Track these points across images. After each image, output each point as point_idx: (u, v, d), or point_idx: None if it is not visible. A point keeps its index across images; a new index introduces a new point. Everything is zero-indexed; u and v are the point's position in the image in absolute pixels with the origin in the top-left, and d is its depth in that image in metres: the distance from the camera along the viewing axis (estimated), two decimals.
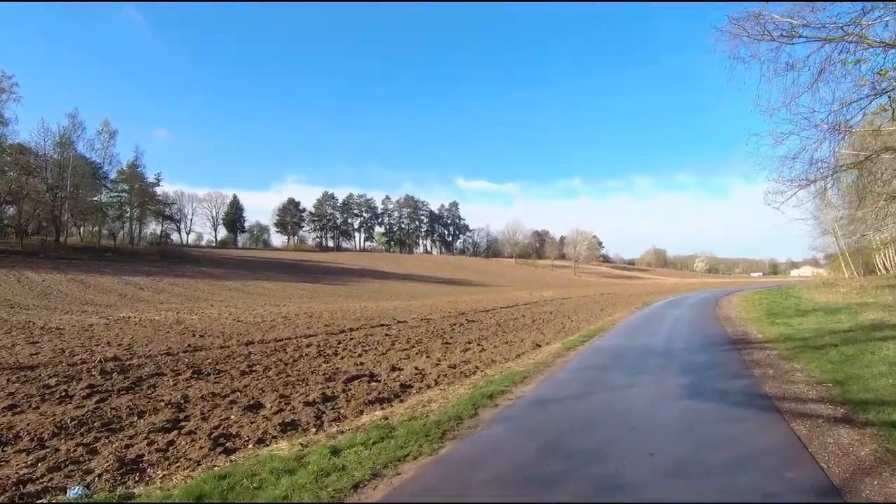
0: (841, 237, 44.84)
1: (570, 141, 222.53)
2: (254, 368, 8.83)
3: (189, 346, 11.79)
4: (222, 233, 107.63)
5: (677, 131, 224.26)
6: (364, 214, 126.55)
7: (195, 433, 4.98)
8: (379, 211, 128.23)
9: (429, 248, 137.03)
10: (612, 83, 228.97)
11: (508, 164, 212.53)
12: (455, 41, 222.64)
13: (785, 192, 10.87)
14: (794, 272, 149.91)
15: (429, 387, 7.15)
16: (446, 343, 12.10)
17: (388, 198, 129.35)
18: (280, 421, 5.38)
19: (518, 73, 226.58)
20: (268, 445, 4.72)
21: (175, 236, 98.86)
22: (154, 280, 43.68)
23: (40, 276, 36.77)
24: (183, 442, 4.73)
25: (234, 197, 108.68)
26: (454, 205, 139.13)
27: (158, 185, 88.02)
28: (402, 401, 6.43)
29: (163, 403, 6.23)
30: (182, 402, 6.35)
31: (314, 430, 5.21)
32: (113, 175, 61.31)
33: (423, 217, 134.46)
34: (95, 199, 57.87)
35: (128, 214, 65.41)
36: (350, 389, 7.00)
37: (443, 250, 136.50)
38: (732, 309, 21.12)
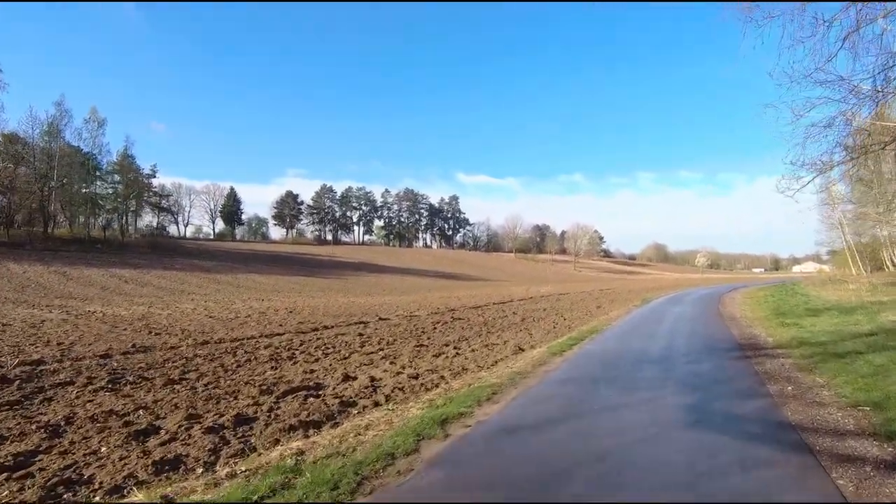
0: (848, 232, 43.51)
1: (572, 136, 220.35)
2: (185, 376, 7.61)
3: (134, 346, 10.58)
4: (220, 226, 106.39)
5: (680, 129, 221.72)
6: (363, 208, 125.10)
7: (34, 476, 3.75)
8: (378, 204, 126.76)
9: (428, 242, 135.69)
10: (613, 79, 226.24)
11: (509, 159, 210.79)
12: (457, 36, 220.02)
13: (802, 178, 9.61)
14: (796, 268, 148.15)
15: (377, 404, 5.91)
16: (420, 345, 10.86)
17: (387, 191, 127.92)
18: (161, 456, 4.14)
19: (519, 67, 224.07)
20: (124, 497, 3.49)
21: (173, 229, 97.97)
22: (141, 273, 42.54)
23: (22, 268, 35.60)
24: (4, 492, 3.49)
25: (232, 189, 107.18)
26: (454, 198, 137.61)
27: (154, 177, 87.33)
28: (335, 425, 5.19)
29: (35, 426, 5.00)
30: (62, 424, 5.11)
31: (201, 470, 3.98)
32: (103, 165, 59.98)
33: (422, 211, 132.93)
34: (85, 189, 56.58)
35: (118, 206, 64.03)
36: (280, 407, 5.76)
37: (442, 244, 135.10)
38: (737, 307, 19.84)
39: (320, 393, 6.45)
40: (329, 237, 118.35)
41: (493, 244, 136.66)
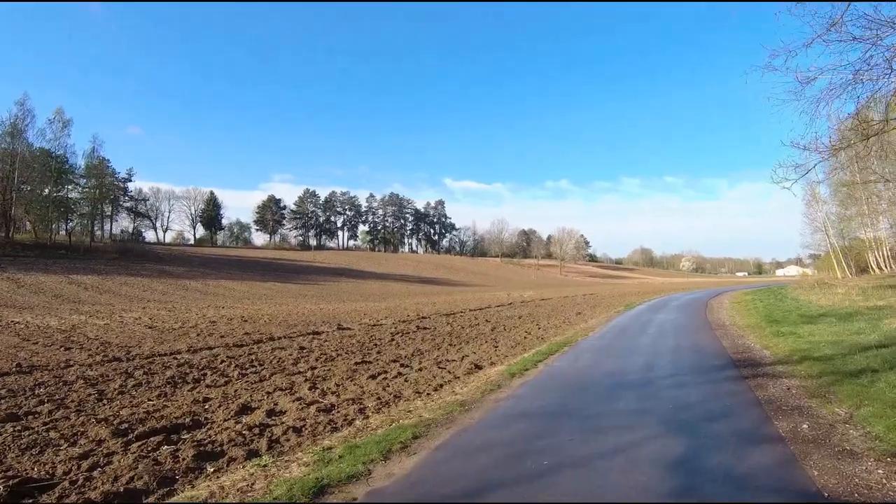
0: (833, 235, 42.92)
1: (559, 143, 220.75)
2: (37, 409, 5.90)
3: (18, 366, 8.79)
4: (201, 231, 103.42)
5: (665, 134, 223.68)
6: (348, 213, 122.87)
7: None
8: (363, 209, 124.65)
9: (414, 248, 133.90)
10: (599, 86, 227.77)
11: (497, 165, 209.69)
12: (445, 42, 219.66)
13: (801, 166, 8.30)
14: (779, 272, 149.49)
15: (252, 455, 4.30)
16: (363, 362, 9.24)
17: (372, 196, 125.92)
18: None
19: (506, 74, 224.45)
20: None
21: (151, 234, 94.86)
22: (104, 279, 40.30)
23: None
24: None
25: (211, 194, 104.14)
26: (440, 203, 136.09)
27: (131, 181, 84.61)
28: (167, 494, 3.56)
29: None
30: None
31: None
32: (75, 168, 57.22)
33: (408, 216, 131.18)
34: (52, 192, 53.78)
35: (87, 210, 61.24)
36: (110, 461, 4.11)
37: (429, 249, 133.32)
38: (725, 313, 18.56)
39: (184, 437, 4.81)
40: (313, 243, 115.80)
41: (479, 249, 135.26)
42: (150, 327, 16.36)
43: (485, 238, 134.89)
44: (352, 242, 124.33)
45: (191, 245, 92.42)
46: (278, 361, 9.42)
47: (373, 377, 7.76)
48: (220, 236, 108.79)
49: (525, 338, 12.58)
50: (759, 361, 8.23)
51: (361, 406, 5.87)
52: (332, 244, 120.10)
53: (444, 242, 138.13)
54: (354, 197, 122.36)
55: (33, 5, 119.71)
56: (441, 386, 6.95)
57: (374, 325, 16.99)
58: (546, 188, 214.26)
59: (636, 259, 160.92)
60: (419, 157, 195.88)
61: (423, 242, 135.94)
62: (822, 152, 7.80)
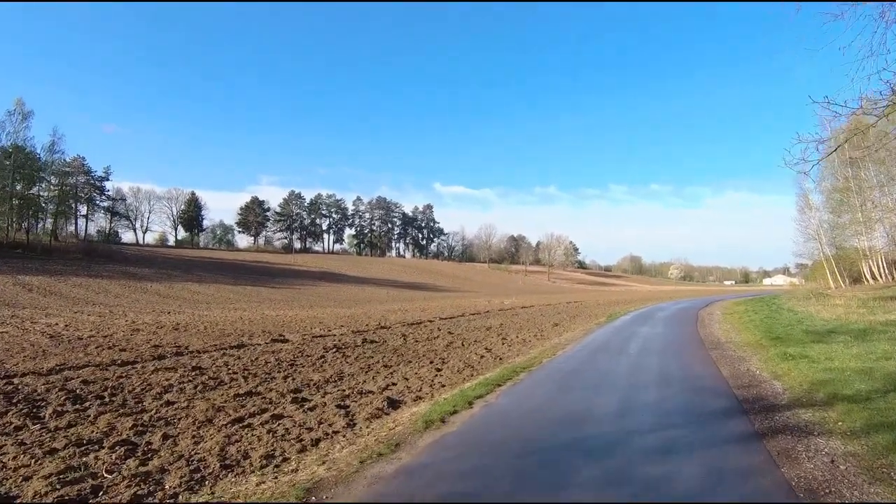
0: (826, 243, 41.38)
1: (547, 149, 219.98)
2: None
3: None
4: (183, 233, 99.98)
5: (650, 141, 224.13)
6: (334, 215, 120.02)
7: None
8: (350, 212, 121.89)
9: (402, 252, 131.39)
10: (586, 93, 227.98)
11: (486, 170, 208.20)
12: (436, 46, 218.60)
13: (826, 140, 6.30)
14: (766, 281, 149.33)
15: None
16: (250, 394, 6.92)
17: (359, 199, 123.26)
18: None
19: (497, 80, 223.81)
20: None
21: (130, 236, 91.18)
22: (55, 280, 37.39)
23: None
24: None
25: (193, 194, 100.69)
26: (429, 207, 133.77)
27: (108, 180, 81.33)
28: None
29: None
30: None
31: None
32: (33, 161, 53.96)
33: (395, 220, 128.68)
34: (17, 188, 50.54)
35: (52, 208, 57.96)
36: None
37: (416, 253, 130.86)
38: (718, 327, 16.49)
39: None
40: (298, 245, 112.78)
41: (467, 254, 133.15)
42: (53, 336, 13.88)
43: (473, 243, 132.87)
44: (338, 246, 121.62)
45: (170, 247, 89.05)
46: (140, 390, 7.09)
47: (237, 421, 5.46)
48: (203, 238, 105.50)
49: (481, 357, 10.34)
50: (774, 402, 6.07)
51: (152, 489, 3.58)
52: (317, 247, 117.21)
53: (432, 247, 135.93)
54: (341, 200, 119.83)
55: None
56: (316, 443, 4.69)
57: (319, 337, 14.69)
58: (534, 194, 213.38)
59: (625, 266, 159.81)
60: (409, 161, 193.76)
61: (411, 247, 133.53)
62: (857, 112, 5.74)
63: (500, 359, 10.05)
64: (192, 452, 4.43)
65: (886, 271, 37.38)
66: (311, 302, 38.31)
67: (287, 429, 5.13)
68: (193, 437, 4.91)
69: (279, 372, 8.81)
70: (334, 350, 11.55)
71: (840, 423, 5.06)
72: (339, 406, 6.13)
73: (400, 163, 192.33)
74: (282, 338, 14.39)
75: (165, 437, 4.91)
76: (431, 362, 9.77)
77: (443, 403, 5.97)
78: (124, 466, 4.11)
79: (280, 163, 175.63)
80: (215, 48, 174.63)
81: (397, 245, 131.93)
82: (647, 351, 10.65)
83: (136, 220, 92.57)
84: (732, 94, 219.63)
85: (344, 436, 4.96)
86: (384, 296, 51.80)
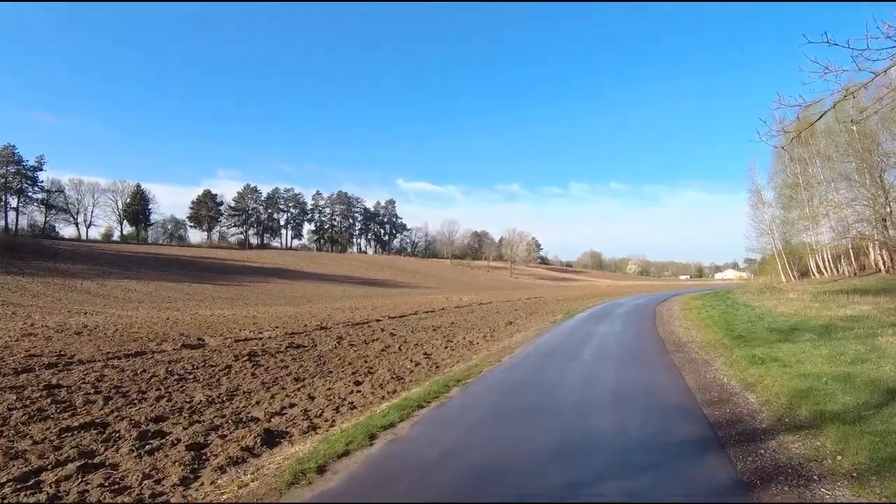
0: (777, 238, 42.38)
1: (510, 147, 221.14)
2: None
3: None
4: (128, 227, 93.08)
5: (609, 141, 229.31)
6: (292, 210, 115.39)
7: None
8: (309, 207, 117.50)
9: (363, 248, 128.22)
10: (547, 97, 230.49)
11: (450, 167, 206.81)
12: (403, 43, 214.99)
13: (815, 102, 5.18)
14: (718, 275, 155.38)
15: None
16: (59, 433, 5.22)
17: (318, 193, 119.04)
18: None
19: (460, 77, 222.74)
20: None
21: (72, 230, 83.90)
22: None
23: None
24: None
25: (138, 186, 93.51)
26: (391, 202, 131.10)
27: (41, 170, 74.66)
28: None
29: None
30: None
31: None
32: None
33: (357, 215, 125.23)
34: None
35: None
36: None
37: (379, 250, 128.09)
38: (678, 324, 15.70)
39: None
40: (255, 241, 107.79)
41: (430, 250, 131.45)
42: None
43: (436, 239, 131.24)
44: (297, 242, 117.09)
45: (115, 242, 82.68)
46: None
47: (19, 480, 3.79)
48: (153, 233, 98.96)
49: (416, 365, 8.87)
50: (752, 424, 4.89)
51: None
52: (275, 243, 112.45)
53: (395, 243, 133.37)
54: (299, 194, 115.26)
55: None
56: None
57: (243, 340, 12.88)
58: (497, 191, 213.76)
59: (586, 262, 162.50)
60: (371, 157, 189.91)
61: (373, 243, 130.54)
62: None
63: (437, 367, 8.63)
64: None
65: (831, 265, 38.51)
66: (258, 300, 35.83)
67: (86, 490, 3.49)
68: None
69: (158, 390, 7.07)
70: (246, 358, 9.82)
71: (839, 458, 3.90)
72: (192, 446, 4.51)
73: (363, 158, 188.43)
74: (199, 342, 12.51)
75: None
76: (354, 373, 8.24)
77: (336, 438, 4.47)
78: None
79: (239, 158, 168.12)
80: (164, 35, 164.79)
81: (359, 241, 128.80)
82: (603, 355, 9.47)
83: (77, 213, 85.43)
84: (691, 99, 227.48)
85: (168, 501, 3.39)
86: (341, 293, 49.64)
